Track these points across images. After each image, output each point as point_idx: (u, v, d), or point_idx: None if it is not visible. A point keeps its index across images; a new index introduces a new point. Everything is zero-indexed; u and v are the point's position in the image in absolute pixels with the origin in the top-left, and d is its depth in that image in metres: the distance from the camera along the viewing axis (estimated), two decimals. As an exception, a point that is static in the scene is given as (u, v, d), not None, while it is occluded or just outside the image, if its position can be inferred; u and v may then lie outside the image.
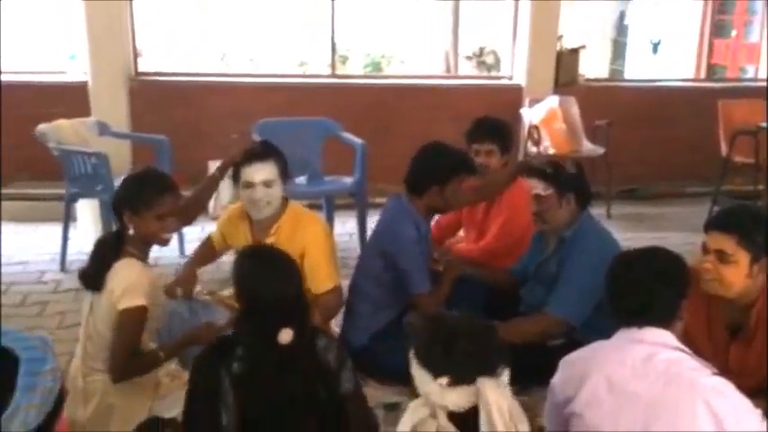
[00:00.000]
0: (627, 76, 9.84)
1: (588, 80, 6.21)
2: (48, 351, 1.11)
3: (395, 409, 2.61)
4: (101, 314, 2.34)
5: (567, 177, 2.75)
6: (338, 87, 5.90)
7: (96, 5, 5.22)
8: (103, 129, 4.72)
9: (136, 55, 5.66)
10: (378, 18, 10.08)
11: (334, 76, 6.14)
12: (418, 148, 3.00)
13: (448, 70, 8.85)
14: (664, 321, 1.82)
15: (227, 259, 3.02)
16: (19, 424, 1.03)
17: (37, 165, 5.13)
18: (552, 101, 5.36)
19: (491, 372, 1.45)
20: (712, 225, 2.18)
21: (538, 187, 2.76)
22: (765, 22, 7.22)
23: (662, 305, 1.83)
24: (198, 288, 2.98)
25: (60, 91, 5.43)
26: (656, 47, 10.19)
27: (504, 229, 3.32)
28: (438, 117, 5.58)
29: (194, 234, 4.34)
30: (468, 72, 9.52)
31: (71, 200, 4.43)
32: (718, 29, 7.71)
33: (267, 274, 1.96)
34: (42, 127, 4.29)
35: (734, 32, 8.32)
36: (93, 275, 2.38)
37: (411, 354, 1.55)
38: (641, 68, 9.88)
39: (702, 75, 7.11)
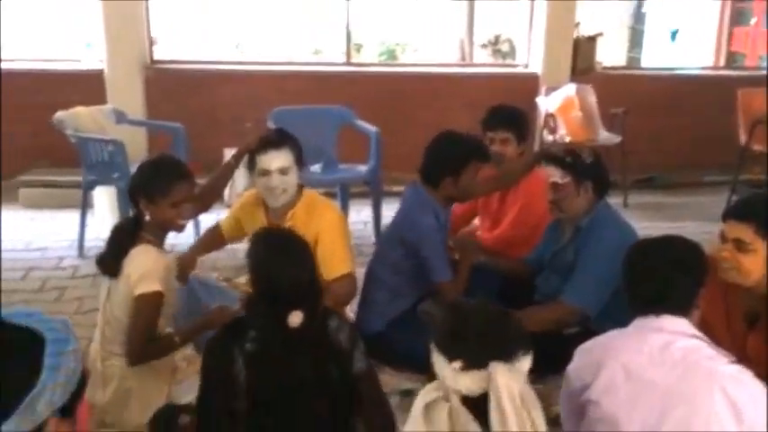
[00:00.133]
0: (644, 64, 9.73)
1: (605, 68, 6.16)
2: (70, 333, 1.12)
3: (410, 396, 2.62)
4: (118, 299, 2.36)
5: (585, 166, 2.73)
6: (353, 75, 5.89)
7: (112, -6, 5.25)
8: (120, 116, 4.75)
9: (151, 43, 5.69)
10: (392, 6, 10.04)
11: (348, 64, 6.13)
12: (433, 136, 2.99)
13: (463, 58, 8.79)
14: (681, 310, 1.81)
15: (243, 246, 3.04)
16: (45, 403, 1.05)
17: (55, 152, 5.17)
18: (569, 89, 5.32)
19: (506, 358, 1.45)
20: (730, 214, 2.16)
21: (555, 175, 2.74)
22: (786, 9, 7.12)
23: (679, 293, 1.82)
24: (215, 275, 3.00)
25: (77, 79, 5.47)
26: (674, 34, 10.06)
27: (519, 218, 3.31)
28: (453, 105, 5.56)
29: (210, 221, 4.32)
30: (483, 60, 9.46)
31: (88, 187, 4.46)
32: (738, 16, 7.58)
33: (281, 257, 1.97)
34: (60, 114, 4.33)
35: (753, 20, 8.18)
36: (110, 261, 2.40)
37: (430, 337, 1.56)
38: (659, 56, 9.77)
39: (721, 63, 7.03)
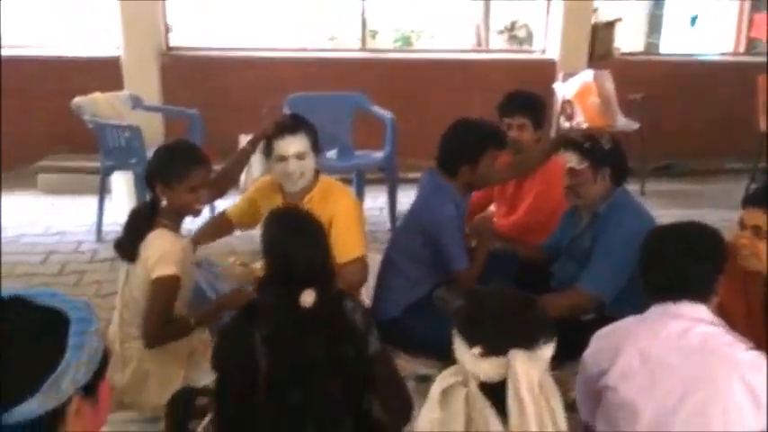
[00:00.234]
0: (663, 49, 9.60)
1: (624, 54, 6.09)
2: (92, 313, 1.14)
3: (426, 381, 2.63)
4: (136, 282, 2.39)
5: (604, 152, 2.70)
6: (368, 62, 5.87)
7: (128, -19, 5.26)
8: (136, 102, 4.78)
9: (167, 30, 5.70)
10: (408, -8, 9.96)
11: (364, 50, 6.11)
12: (448, 123, 2.97)
13: (479, 44, 8.72)
14: (700, 296, 1.80)
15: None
16: (69, 381, 1.07)
17: (73, 138, 5.21)
18: (586, 75, 5.26)
19: (527, 345, 1.44)
20: (749, 201, 2.16)
21: (572, 161, 2.72)
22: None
23: (698, 280, 1.81)
24: (231, 259, 3.02)
25: (94, 65, 5.50)
26: (693, 20, 9.91)
27: (535, 204, 3.29)
28: (469, 92, 5.53)
29: (226, 207, 4.39)
30: (499, 46, 9.38)
31: (106, 172, 4.50)
32: (758, 2, 7.47)
33: (294, 236, 1.97)
34: (78, 100, 4.36)
35: (775, 5, 8.06)
36: (128, 246, 2.43)
37: (452, 322, 1.55)
38: (678, 42, 9.63)
39: (741, 49, 6.93)
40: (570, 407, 1.98)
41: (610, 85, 5.30)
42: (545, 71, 5.69)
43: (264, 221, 2.09)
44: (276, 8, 9.73)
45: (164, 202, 2.46)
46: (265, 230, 2.04)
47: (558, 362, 1.75)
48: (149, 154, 2.85)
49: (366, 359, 1.98)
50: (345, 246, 2.74)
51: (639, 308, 1.88)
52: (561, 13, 5.65)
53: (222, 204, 3.96)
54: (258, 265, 2.87)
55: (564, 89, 5.36)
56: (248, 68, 5.65)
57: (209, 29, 9.01)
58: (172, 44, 5.72)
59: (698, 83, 5.94)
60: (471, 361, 1.44)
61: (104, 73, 5.33)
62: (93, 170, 4.72)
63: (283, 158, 2.78)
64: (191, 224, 2.93)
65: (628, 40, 7.24)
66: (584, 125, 4.91)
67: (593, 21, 5.75)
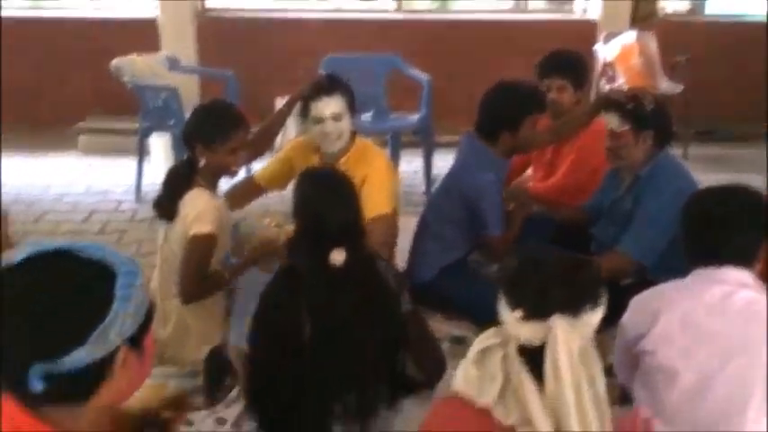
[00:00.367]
0: (708, 10, 9.28)
1: (667, 15, 5.90)
2: (138, 268, 1.16)
3: (461, 343, 2.64)
4: (175, 238, 2.43)
5: (646, 114, 2.63)
6: (404, 23, 5.79)
7: (165, -59, 5.25)
8: (173, 64, 4.80)
9: (203, -9, 5.69)
10: (445, -49, 9.76)
11: (400, 11, 6.02)
12: (486, 86, 2.91)
13: (518, 6, 8.54)
14: (743, 261, 1.76)
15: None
16: (116, 332, 1.09)
17: (112, 100, 5.27)
18: (629, 36, 5.12)
19: (571, 310, 1.39)
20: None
21: (613, 123, 2.65)
22: None
23: (742, 244, 1.77)
24: (266, 220, 3.04)
25: (131, 27, 5.53)
26: (741, -20, 9.54)
27: (573, 168, 3.23)
28: (507, 54, 5.42)
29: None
30: (538, 7, 9.16)
31: (145, 134, 4.55)
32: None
33: (325, 193, 1.97)
34: (117, 61, 4.39)
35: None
36: (167, 205, 2.47)
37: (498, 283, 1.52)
38: (724, 3, 9.29)
39: (791, 9, 6.64)
40: (607, 371, 1.97)
41: (653, 47, 5.15)
42: (586, 33, 5.55)
43: (297, 180, 2.09)
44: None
45: (202, 163, 2.47)
46: (297, 189, 2.04)
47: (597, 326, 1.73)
48: (186, 116, 2.86)
49: (399, 319, 1.99)
50: (374, 201, 2.71)
51: (680, 272, 1.85)
52: (603, -28, 5.48)
53: (257, 166, 4.00)
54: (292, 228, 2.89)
55: (605, 51, 5.22)
56: (284, 30, 5.63)
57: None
58: (208, 5, 5.72)
59: (744, 45, 5.73)
60: (513, 323, 1.41)
61: (141, 34, 5.35)
62: (131, 132, 4.78)
63: (320, 120, 2.77)
64: (223, 185, 2.95)
65: (671, 1, 7.01)
66: (626, 88, 4.80)
67: (636, -20, 5.57)
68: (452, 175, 3.02)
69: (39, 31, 5.63)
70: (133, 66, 4.45)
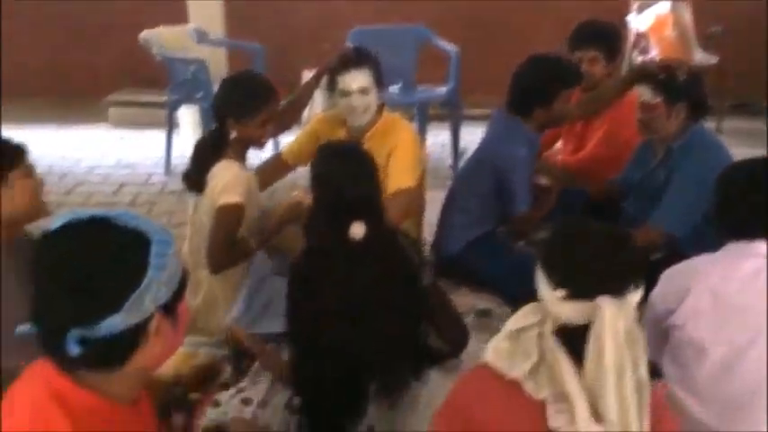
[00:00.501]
0: (746, -21, 9.00)
1: (703, -17, 5.73)
2: (171, 237, 1.18)
3: (486, 316, 2.65)
4: (205, 210, 2.45)
5: (680, 87, 2.57)
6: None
7: None
8: (201, 36, 4.80)
9: (231, -38, 5.66)
10: None
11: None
12: (515, 59, 2.86)
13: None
14: (777, 235, 1.73)
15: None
16: (150, 299, 1.12)
17: (141, 72, 5.31)
18: (663, 6, 4.99)
19: (617, 290, 1.31)
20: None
21: (645, 95, 2.60)
22: None
23: (776, 218, 1.73)
24: (294, 193, 3.05)
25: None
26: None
27: (604, 141, 3.18)
28: (537, 25, 5.34)
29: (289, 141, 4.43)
30: (569, -23, 8.98)
31: (173, 107, 4.58)
32: None
33: (345, 166, 1.95)
34: (145, 33, 4.42)
35: None
36: (196, 176, 2.49)
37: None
38: (763, -29, 9.01)
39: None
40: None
41: (687, 18, 5.03)
42: (618, 2, 5.43)
43: (316, 154, 2.06)
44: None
45: (232, 135, 2.48)
46: (315, 162, 2.03)
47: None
48: (214, 88, 2.87)
49: (421, 292, 1.99)
50: (396, 176, 2.69)
51: (711, 247, 1.83)
52: (637, -60, 5.33)
53: (285, 139, 4.01)
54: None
55: (638, 22, 5.11)
56: (312, 2, 5.59)
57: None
58: (235, -23, 5.69)
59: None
60: (554, 302, 1.34)
61: (170, 7, 5.36)
62: (160, 105, 4.82)
63: (347, 94, 2.75)
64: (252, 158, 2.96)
65: (708, -31, 6.81)
66: (660, 59, 4.69)
67: (671, -52, 5.40)
68: (483, 149, 2.99)
69: (69, 4, 5.67)
70: (161, 38, 4.47)
